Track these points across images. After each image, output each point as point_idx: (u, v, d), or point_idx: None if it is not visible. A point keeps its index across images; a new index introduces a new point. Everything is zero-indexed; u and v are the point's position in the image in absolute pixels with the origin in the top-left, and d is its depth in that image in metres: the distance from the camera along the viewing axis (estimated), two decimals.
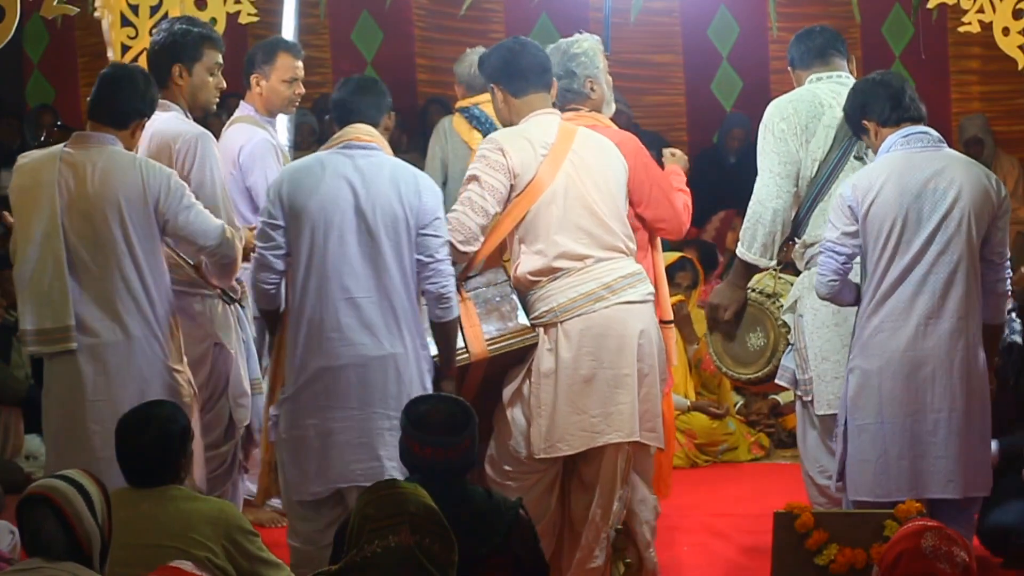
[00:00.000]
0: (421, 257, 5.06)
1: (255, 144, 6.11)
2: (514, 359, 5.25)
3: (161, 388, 5.09)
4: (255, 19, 6.58)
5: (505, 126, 5.52)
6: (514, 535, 4.11)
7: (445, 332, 5.14)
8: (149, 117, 5.29)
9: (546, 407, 5.19)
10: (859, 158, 5.51)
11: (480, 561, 3.99)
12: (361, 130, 5.17)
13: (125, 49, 6.42)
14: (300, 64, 6.43)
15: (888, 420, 5.12)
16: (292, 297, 5.12)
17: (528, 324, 5.21)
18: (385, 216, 5.02)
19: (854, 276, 5.24)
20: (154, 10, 6.42)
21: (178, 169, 5.45)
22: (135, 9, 6.44)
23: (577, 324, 5.18)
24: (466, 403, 4.31)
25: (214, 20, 6.37)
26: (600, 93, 5.81)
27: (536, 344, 5.21)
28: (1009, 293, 5.32)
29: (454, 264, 5.20)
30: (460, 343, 5.19)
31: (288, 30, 7.07)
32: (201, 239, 5.20)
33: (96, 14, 6.42)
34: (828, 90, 5.57)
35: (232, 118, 6.42)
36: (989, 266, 5.20)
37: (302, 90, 6.49)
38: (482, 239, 5.26)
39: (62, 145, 5.22)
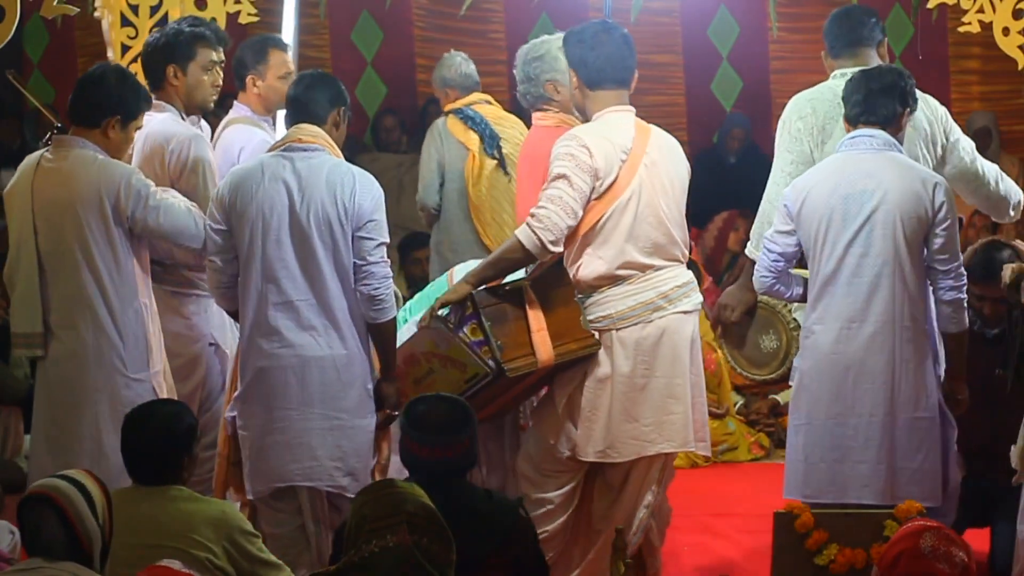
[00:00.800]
0: (356, 259, 5.06)
1: (255, 145, 6.10)
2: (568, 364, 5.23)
3: (113, 398, 5.07)
4: (255, 19, 6.59)
5: (579, 111, 5.48)
6: (514, 535, 4.11)
7: (381, 334, 5.12)
8: (126, 115, 5.23)
9: (600, 413, 5.17)
10: None
11: (480, 561, 3.99)
12: (304, 131, 5.16)
13: (125, 49, 6.42)
14: (290, 58, 6.43)
15: (815, 421, 5.13)
16: (239, 300, 5.16)
17: (592, 332, 5.17)
18: (319, 219, 5.04)
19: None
20: (154, 10, 6.42)
21: (171, 171, 5.46)
22: (135, 9, 6.44)
23: (633, 332, 5.17)
24: (465, 403, 4.31)
25: (214, 20, 6.36)
26: (565, 95, 5.79)
27: (596, 352, 5.18)
28: (963, 301, 5.13)
29: (537, 259, 5.15)
30: (527, 347, 5.13)
31: (288, 30, 7.06)
32: (177, 238, 5.23)
33: (96, 14, 6.42)
34: None
35: (228, 119, 6.40)
36: (934, 273, 5.11)
37: None
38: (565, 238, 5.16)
39: (45, 149, 5.24)
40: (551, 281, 5.26)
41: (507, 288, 5.23)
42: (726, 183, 9.66)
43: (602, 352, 5.18)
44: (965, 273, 5.16)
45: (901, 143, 5.26)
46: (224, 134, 6.30)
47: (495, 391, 5.19)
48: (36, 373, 5.29)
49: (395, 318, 5.15)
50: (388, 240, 5.14)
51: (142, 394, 5.10)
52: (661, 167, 5.25)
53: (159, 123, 5.58)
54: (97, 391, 5.10)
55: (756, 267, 5.29)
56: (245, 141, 6.15)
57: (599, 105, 5.29)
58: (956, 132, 5.67)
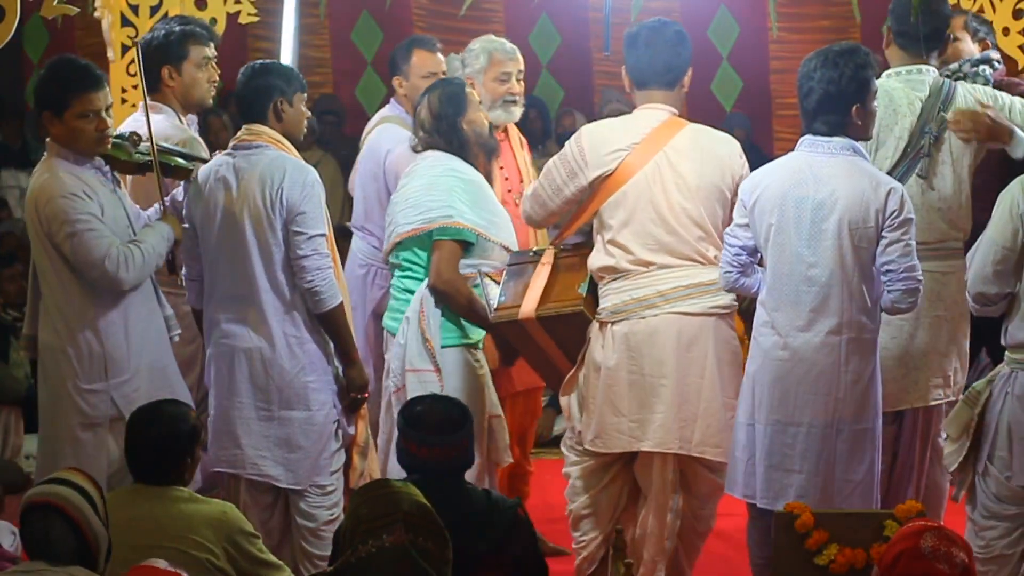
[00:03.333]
0: (291, 254, 5.19)
1: (404, 149, 6.01)
2: (579, 330, 5.31)
3: (68, 408, 5.00)
4: (255, 19, 6.61)
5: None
6: (512, 535, 4.11)
7: (326, 323, 5.27)
8: (59, 106, 4.99)
9: (593, 402, 5.23)
10: (922, 176, 5.42)
11: (479, 560, 3.99)
12: (248, 130, 5.30)
13: (125, 49, 6.44)
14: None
15: (756, 424, 5.12)
16: None
17: (581, 295, 5.29)
18: (251, 215, 5.18)
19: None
20: (154, 10, 6.44)
21: None
22: (135, 9, 6.46)
23: (623, 328, 5.18)
24: (462, 403, 4.32)
25: (214, 20, 6.38)
26: (477, 92, 5.87)
27: (582, 314, 5.28)
28: (913, 305, 5.05)
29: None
30: (520, 301, 5.37)
31: (288, 30, 7.07)
32: (85, 271, 5.01)
33: (96, 14, 6.43)
34: (904, 93, 5.46)
35: (381, 115, 6.60)
36: (887, 274, 5.01)
37: None
38: (550, 222, 5.45)
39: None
40: (573, 247, 5.43)
41: (534, 251, 5.56)
42: None
43: (598, 343, 5.23)
44: (920, 278, 5.03)
45: (866, 128, 5.13)
46: (375, 131, 6.43)
47: (516, 344, 5.49)
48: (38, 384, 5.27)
49: (340, 306, 5.24)
50: (323, 231, 5.22)
51: (98, 405, 5.02)
52: (681, 165, 5.22)
53: (154, 124, 5.58)
54: (56, 396, 5.05)
55: (720, 263, 5.23)
56: (394, 144, 6.20)
57: (641, 104, 5.36)
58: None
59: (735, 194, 5.21)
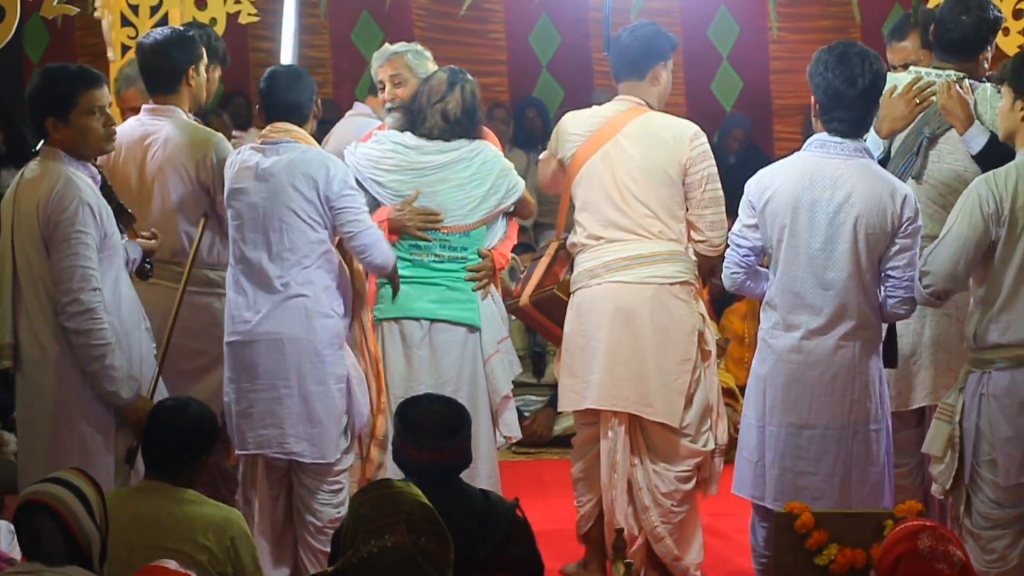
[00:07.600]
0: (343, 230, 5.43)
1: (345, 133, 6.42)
2: (561, 308, 5.80)
3: (73, 417, 4.90)
4: (255, 19, 6.63)
5: None
6: (511, 536, 4.11)
7: (388, 277, 5.65)
8: (65, 107, 4.89)
9: (561, 366, 5.77)
10: (915, 177, 5.40)
11: (477, 562, 3.99)
12: (277, 128, 5.42)
13: (125, 49, 6.45)
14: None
15: (768, 426, 5.13)
16: None
17: (556, 282, 5.84)
18: (287, 206, 5.31)
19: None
20: (154, 10, 6.46)
21: (212, 171, 5.53)
22: (135, 9, 6.48)
23: (577, 297, 5.69)
24: (460, 404, 4.32)
25: (214, 20, 6.40)
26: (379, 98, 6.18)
27: (557, 296, 5.81)
28: (910, 312, 5.07)
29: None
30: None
31: (288, 30, 7.09)
32: (57, 285, 4.86)
33: (96, 14, 6.45)
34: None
35: (351, 112, 6.83)
36: (888, 279, 5.03)
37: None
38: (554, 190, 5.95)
39: (34, 159, 5.04)
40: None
41: (543, 245, 6.21)
42: (726, 183, 9.63)
43: (568, 313, 5.72)
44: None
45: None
46: (344, 125, 6.69)
47: (527, 323, 6.31)
48: (15, 388, 5.10)
49: (393, 261, 5.55)
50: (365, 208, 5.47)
51: (103, 413, 4.92)
52: (630, 149, 5.62)
53: (181, 125, 5.57)
54: (70, 408, 4.92)
55: (725, 263, 5.24)
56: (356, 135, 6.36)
57: (617, 96, 5.76)
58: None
59: (686, 174, 5.62)
